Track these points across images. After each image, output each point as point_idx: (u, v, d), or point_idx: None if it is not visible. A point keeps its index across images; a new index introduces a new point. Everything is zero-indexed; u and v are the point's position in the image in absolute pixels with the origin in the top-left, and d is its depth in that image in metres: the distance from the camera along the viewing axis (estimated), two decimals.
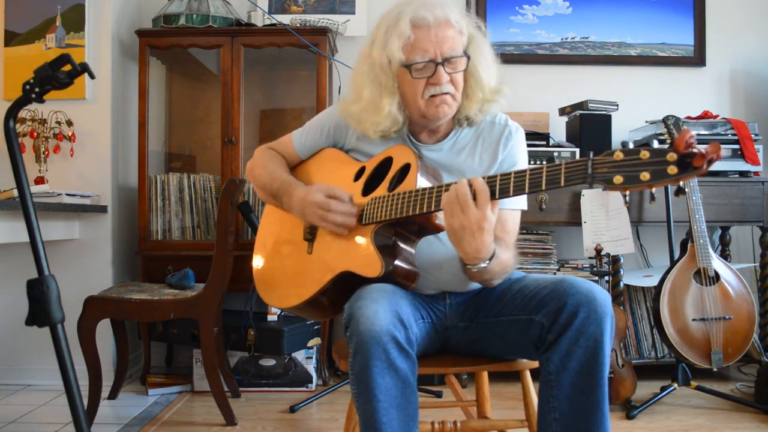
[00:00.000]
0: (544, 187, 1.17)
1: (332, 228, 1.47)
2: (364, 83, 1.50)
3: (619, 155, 1.07)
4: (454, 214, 1.26)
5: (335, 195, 1.46)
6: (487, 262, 1.33)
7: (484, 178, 1.25)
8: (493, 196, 1.24)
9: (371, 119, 1.51)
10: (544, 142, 2.89)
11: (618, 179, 1.06)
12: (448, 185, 1.31)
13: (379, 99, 1.48)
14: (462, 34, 1.47)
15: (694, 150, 1.00)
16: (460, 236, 1.27)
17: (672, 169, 1.02)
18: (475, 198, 1.24)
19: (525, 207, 1.56)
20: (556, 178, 1.15)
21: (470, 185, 1.25)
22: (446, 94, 1.45)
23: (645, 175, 1.04)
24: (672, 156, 1.02)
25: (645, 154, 1.04)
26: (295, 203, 1.54)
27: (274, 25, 2.99)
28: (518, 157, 1.56)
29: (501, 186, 1.23)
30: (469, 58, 1.47)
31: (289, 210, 1.59)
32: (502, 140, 1.54)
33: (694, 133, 1.02)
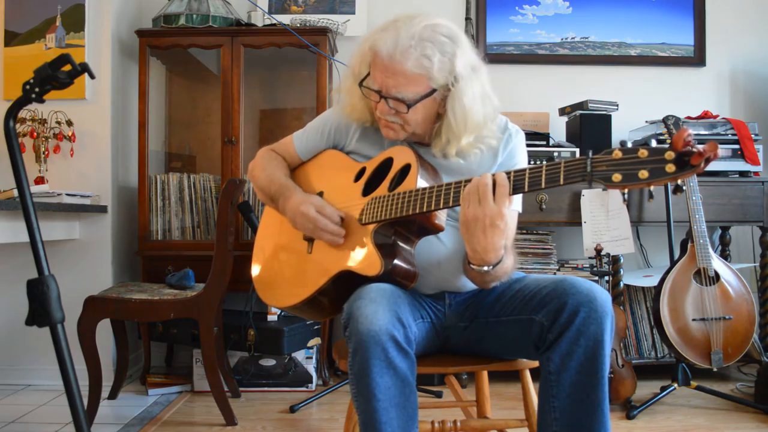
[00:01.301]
0: (544, 185, 1.18)
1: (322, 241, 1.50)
2: (347, 76, 1.56)
3: (617, 154, 1.08)
4: (470, 204, 1.26)
5: (325, 213, 1.47)
6: (491, 267, 1.33)
7: (506, 172, 1.24)
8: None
9: (346, 108, 1.57)
10: (544, 142, 2.89)
11: (617, 177, 1.07)
12: (448, 185, 1.32)
13: (352, 94, 1.54)
14: (430, 78, 1.38)
15: (692, 148, 1.01)
16: (472, 229, 1.27)
17: (670, 168, 1.03)
18: (494, 192, 1.23)
19: (520, 209, 1.56)
20: (556, 176, 1.16)
21: (492, 179, 1.24)
22: (391, 122, 1.46)
23: (643, 173, 1.05)
24: (670, 154, 1.03)
25: (643, 153, 1.05)
26: (289, 209, 1.56)
27: (274, 25, 2.99)
28: (518, 158, 1.57)
29: (515, 181, 1.22)
30: (409, 106, 1.40)
31: (284, 214, 1.60)
32: (501, 143, 1.54)
33: (691, 131, 1.03)
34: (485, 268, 1.33)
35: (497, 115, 1.52)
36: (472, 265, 1.35)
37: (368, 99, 1.49)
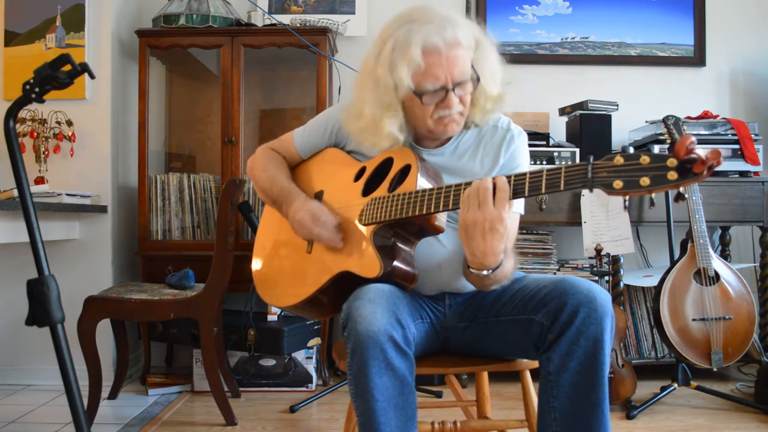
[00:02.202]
0: (544, 191, 1.17)
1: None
2: (366, 101, 1.47)
3: (619, 160, 1.07)
4: (470, 208, 1.24)
5: (320, 220, 1.48)
6: (490, 271, 1.32)
7: (507, 177, 1.23)
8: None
9: (370, 139, 1.50)
10: (544, 142, 2.89)
11: (618, 184, 1.06)
12: (449, 187, 1.31)
13: (380, 119, 1.46)
14: (470, 48, 1.43)
15: (695, 156, 1.00)
16: (471, 233, 1.25)
17: (672, 175, 1.02)
18: (494, 196, 1.22)
19: (522, 211, 1.56)
20: (557, 182, 1.15)
21: (493, 183, 1.23)
22: (455, 113, 1.45)
23: (645, 181, 1.03)
24: (672, 162, 1.02)
25: (645, 160, 1.04)
26: (290, 214, 1.56)
27: (274, 25, 2.99)
28: (520, 159, 1.56)
29: (516, 186, 1.21)
30: (479, 79, 1.44)
31: (285, 217, 1.60)
32: (504, 144, 1.54)
33: (694, 139, 1.02)
34: (484, 272, 1.32)
35: (512, 79, 1.55)
36: (471, 269, 1.34)
37: (415, 109, 1.44)
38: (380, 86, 1.44)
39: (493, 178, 1.24)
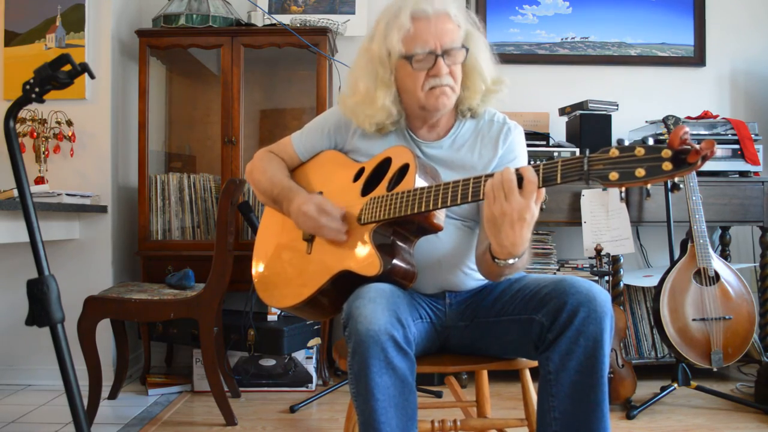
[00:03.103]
0: (540, 185, 1.19)
1: (324, 239, 1.50)
2: (360, 76, 1.54)
3: (614, 152, 1.08)
4: (496, 200, 1.22)
5: (326, 210, 1.47)
6: (516, 259, 1.31)
7: (535, 166, 1.21)
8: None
9: (365, 112, 1.54)
10: (544, 142, 2.89)
11: (613, 175, 1.07)
12: (447, 184, 1.32)
13: (373, 91, 1.51)
14: (460, 28, 1.50)
15: (689, 146, 1.01)
16: (499, 225, 1.23)
17: (667, 165, 1.03)
18: (521, 186, 1.21)
19: None
20: (553, 175, 1.16)
21: (518, 173, 1.21)
22: (446, 85, 1.47)
23: (640, 172, 1.05)
24: (667, 152, 1.03)
25: (640, 151, 1.06)
26: (293, 211, 1.55)
27: (274, 25, 2.99)
28: (518, 151, 1.57)
29: (545, 174, 1.19)
30: (467, 50, 1.49)
31: (288, 215, 1.60)
32: (501, 136, 1.55)
33: (688, 129, 1.03)
34: (510, 261, 1.31)
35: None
36: (497, 260, 1.32)
37: (406, 80, 1.48)
38: (374, 60, 1.51)
39: (518, 169, 1.22)
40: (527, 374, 1.61)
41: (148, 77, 2.94)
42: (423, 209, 1.34)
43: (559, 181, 1.15)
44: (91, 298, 2.36)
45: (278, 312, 2.85)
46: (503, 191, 1.21)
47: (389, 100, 1.51)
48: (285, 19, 3.09)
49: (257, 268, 1.71)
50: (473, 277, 1.55)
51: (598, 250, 2.53)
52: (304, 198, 1.53)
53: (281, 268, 1.64)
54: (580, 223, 2.71)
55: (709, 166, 2.71)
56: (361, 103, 1.54)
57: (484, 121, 1.58)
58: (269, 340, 2.67)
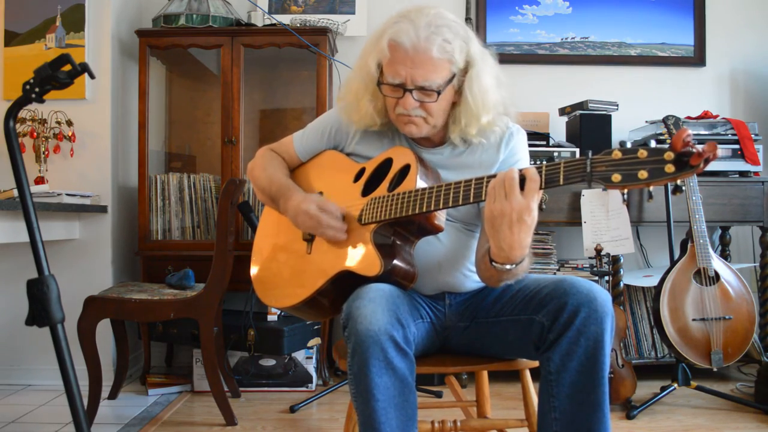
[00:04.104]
0: (543, 186, 1.18)
1: (323, 239, 1.49)
2: (354, 78, 1.54)
3: (617, 154, 1.08)
4: (497, 198, 1.21)
5: (327, 209, 1.46)
6: (514, 266, 1.30)
7: (537, 166, 1.20)
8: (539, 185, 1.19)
9: (353, 115, 1.55)
10: (544, 142, 2.89)
11: (616, 177, 1.07)
12: (448, 185, 1.32)
13: (361, 97, 1.51)
14: (452, 63, 1.40)
15: (691, 149, 1.01)
16: (498, 225, 1.22)
17: (669, 168, 1.03)
18: (523, 186, 1.19)
19: None
20: (555, 176, 1.16)
21: (521, 173, 1.20)
22: (414, 116, 1.44)
23: (643, 174, 1.05)
24: (669, 155, 1.03)
25: (643, 153, 1.06)
26: (291, 209, 1.55)
27: (274, 25, 2.99)
28: (520, 155, 1.56)
29: (548, 175, 1.18)
30: (439, 93, 1.40)
31: (285, 214, 1.59)
32: (503, 140, 1.54)
33: (691, 132, 1.03)
34: (508, 266, 1.29)
35: (513, 102, 1.53)
36: (494, 263, 1.31)
37: (384, 98, 1.47)
38: (363, 69, 1.49)
39: (521, 169, 1.21)
40: (527, 374, 1.61)
41: (148, 77, 2.94)
42: (424, 210, 1.34)
43: (561, 182, 1.15)
44: (91, 298, 2.36)
45: (278, 312, 2.85)
46: (504, 189, 1.20)
47: (371, 109, 1.51)
48: (285, 19, 3.09)
49: (256, 269, 1.71)
50: (473, 279, 1.55)
51: (598, 250, 2.53)
52: (303, 197, 1.53)
53: (280, 268, 1.64)
54: (580, 223, 2.71)
55: (709, 166, 2.69)
56: (350, 104, 1.55)
57: None
58: (269, 340, 2.67)
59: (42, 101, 1.24)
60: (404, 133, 1.50)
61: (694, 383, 2.53)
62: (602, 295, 1.32)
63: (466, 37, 1.43)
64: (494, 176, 1.24)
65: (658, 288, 2.50)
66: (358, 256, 1.41)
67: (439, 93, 1.40)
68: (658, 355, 2.91)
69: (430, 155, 1.54)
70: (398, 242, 1.43)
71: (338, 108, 1.62)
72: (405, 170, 1.44)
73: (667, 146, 1.04)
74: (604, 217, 2.67)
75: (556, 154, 2.84)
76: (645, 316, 2.98)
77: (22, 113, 2.79)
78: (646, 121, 3.00)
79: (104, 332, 2.63)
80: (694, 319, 2.44)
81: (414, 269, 1.42)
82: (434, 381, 2.86)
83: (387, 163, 1.50)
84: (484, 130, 1.49)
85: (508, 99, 1.51)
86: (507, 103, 1.51)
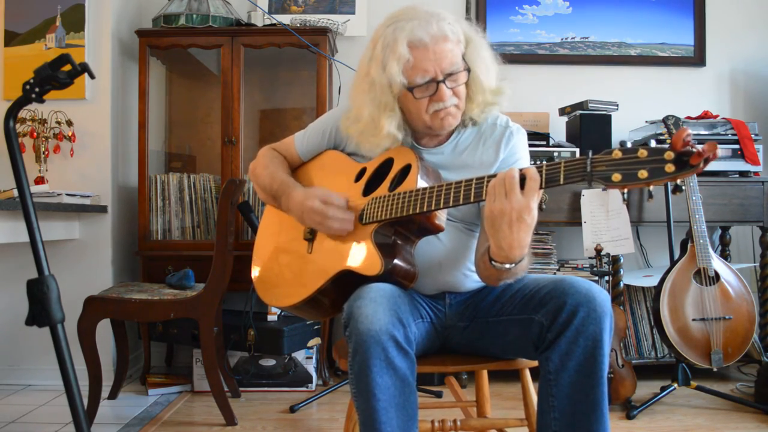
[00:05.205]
0: (543, 186, 1.18)
1: (330, 233, 1.48)
2: (364, 103, 1.49)
3: (617, 154, 1.08)
4: (497, 197, 1.21)
5: (331, 201, 1.46)
6: (513, 265, 1.30)
7: (537, 166, 1.20)
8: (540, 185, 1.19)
9: (371, 140, 1.51)
10: (544, 142, 2.89)
11: (616, 177, 1.08)
12: (449, 185, 1.32)
13: (378, 119, 1.48)
14: (460, 42, 1.45)
15: (691, 148, 1.01)
16: (498, 225, 1.22)
17: (669, 167, 1.03)
18: (523, 185, 1.20)
19: None
20: (556, 176, 1.16)
21: (521, 172, 1.20)
22: (450, 106, 1.45)
23: (643, 173, 1.05)
24: (669, 154, 1.03)
25: (643, 153, 1.06)
26: (294, 206, 1.54)
27: (274, 25, 2.99)
28: (520, 154, 1.56)
29: (548, 174, 1.18)
30: (469, 70, 1.46)
31: (288, 212, 1.59)
32: (503, 140, 1.54)
33: (691, 131, 1.03)
34: (507, 265, 1.30)
35: (504, 76, 1.56)
36: (494, 262, 1.31)
37: (411, 105, 1.45)
38: (375, 87, 1.46)
39: (521, 169, 1.21)
40: (527, 374, 1.61)
41: (148, 77, 2.94)
42: (425, 209, 1.34)
43: (562, 182, 1.15)
44: (91, 298, 2.36)
45: (278, 312, 2.85)
46: (504, 189, 1.21)
47: (394, 126, 1.48)
48: (285, 19, 3.09)
49: (257, 268, 1.71)
50: (473, 279, 1.55)
51: (598, 250, 2.53)
52: (306, 193, 1.53)
53: (281, 267, 1.64)
54: (580, 223, 2.71)
55: (709, 166, 2.68)
56: (365, 131, 1.51)
57: (487, 124, 1.57)
58: (269, 340, 2.67)
59: (42, 101, 1.24)
60: (442, 129, 1.49)
61: (694, 383, 2.53)
62: (601, 294, 1.32)
63: (456, 19, 1.48)
64: (494, 176, 1.24)
65: (658, 288, 2.50)
66: (359, 256, 1.42)
67: (469, 70, 1.45)
68: (658, 355, 2.91)
69: (431, 155, 1.54)
70: (399, 242, 1.43)
71: (349, 131, 1.57)
72: (406, 170, 1.44)
73: (667, 146, 1.05)
74: (604, 217, 2.67)
75: (556, 154, 2.84)
76: (645, 316, 2.98)
77: (22, 113, 2.79)
78: (646, 121, 3.00)
79: (104, 332, 2.63)
80: (694, 319, 2.44)
81: (414, 269, 1.42)
82: (434, 381, 2.86)
83: (388, 163, 1.50)
84: (489, 104, 1.53)
85: (499, 73, 1.55)
86: (502, 75, 1.55)
